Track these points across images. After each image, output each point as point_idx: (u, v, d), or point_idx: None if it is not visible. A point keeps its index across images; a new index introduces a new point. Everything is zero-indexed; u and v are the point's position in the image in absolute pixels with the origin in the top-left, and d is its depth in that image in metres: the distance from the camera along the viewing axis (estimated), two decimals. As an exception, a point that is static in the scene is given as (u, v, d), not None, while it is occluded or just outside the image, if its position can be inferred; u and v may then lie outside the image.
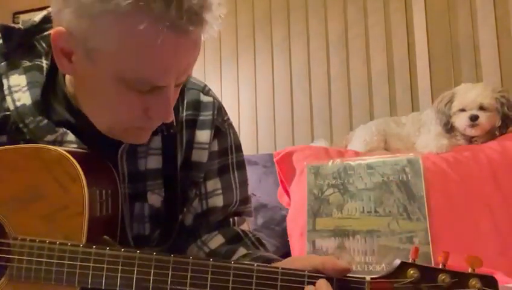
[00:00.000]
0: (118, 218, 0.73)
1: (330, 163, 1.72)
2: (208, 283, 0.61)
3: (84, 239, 0.65)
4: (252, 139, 2.57)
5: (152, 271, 0.62)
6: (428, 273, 0.59)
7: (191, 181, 0.83)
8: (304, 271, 0.61)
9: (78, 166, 0.66)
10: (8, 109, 0.71)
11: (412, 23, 2.34)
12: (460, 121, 1.78)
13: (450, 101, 1.82)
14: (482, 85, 1.84)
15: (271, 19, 2.63)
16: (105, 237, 0.68)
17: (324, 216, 1.65)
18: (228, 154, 0.88)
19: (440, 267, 0.60)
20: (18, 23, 3.47)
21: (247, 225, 0.91)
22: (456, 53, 2.25)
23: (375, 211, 1.60)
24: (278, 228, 1.94)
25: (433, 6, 2.32)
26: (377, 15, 2.41)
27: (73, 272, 0.64)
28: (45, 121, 0.71)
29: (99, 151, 0.74)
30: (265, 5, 2.64)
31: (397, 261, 0.60)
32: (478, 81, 2.14)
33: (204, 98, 0.85)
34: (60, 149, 0.68)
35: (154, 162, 0.79)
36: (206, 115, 0.84)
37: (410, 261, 0.60)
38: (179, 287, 0.62)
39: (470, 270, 0.60)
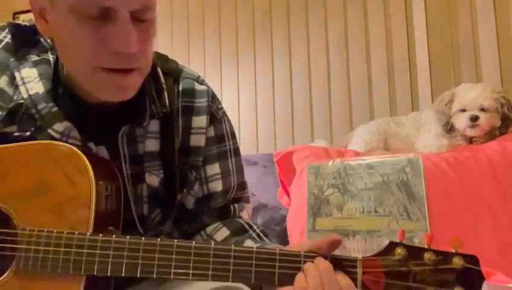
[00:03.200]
0: (121, 214, 0.75)
1: (330, 163, 1.72)
2: (210, 266, 0.64)
3: (90, 230, 0.67)
4: (252, 139, 2.57)
5: (156, 256, 0.64)
6: (414, 251, 0.63)
7: (190, 165, 0.86)
8: (300, 252, 0.64)
9: (86, 160, 0.69)
10: (21, 98, 0.75)
11: (412, 23, 2.34)
12: (461, 122, 1.78)
13: (450, 101, 1.82)
14: (482, 85, 1.84)
15: (271, 20, 2.63)
16: (110, 227, 0.70)
17: (324, 216, 1.65)
18: (225, 140, 0.91)
19: (426, 247, 0.63)
20: (18, 23, 3.42)
21: (247, 212, 0.94)
22: (456, 53, 2.25)
23: (375, 211, 1.60)
24: (278, 228, 1.94)
25: (433, 6, 2.32)
26: (377, 15, 2.41)
27: (79, 259, 0.65)
28: (56, 108, 0.75)
29: (101, 136, 0.77)
30: (265, 5, 2.65)
31: (386, 242, 0.64)
32: (478, 81, 2.14)
33: (199, 87, 0.88)
34: (69, 145, 0.71)
35: (152, 145, 0.82)
36: (201, 102, 0.87)
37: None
38: (182, 271, 0.64)
39: (453, 250, 0.63)
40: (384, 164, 1.66)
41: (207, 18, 2.78)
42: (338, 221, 1.62)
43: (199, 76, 0.91)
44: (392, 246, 0.63)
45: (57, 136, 0.74)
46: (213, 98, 0.90)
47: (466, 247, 1.59)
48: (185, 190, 0.85)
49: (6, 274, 0.67)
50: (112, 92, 0.72)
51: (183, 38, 2.81)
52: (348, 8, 2.47)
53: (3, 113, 0.75)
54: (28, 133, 0.75)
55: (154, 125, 0.82)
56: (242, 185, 0.93)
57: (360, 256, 0.64)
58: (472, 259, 0.62)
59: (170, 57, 0.91)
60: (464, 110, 1.79)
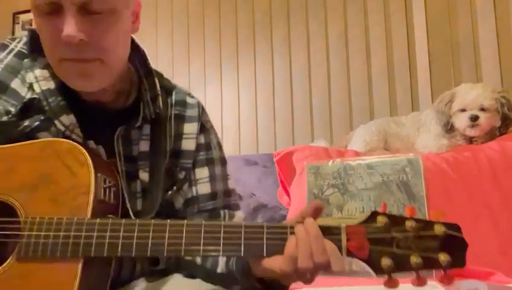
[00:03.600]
0: (119, 207, 0.79)
1: (330, 163, 1.72)
2: (201, 241, 0.67)
3: (89, 215, 0.70)
4: (252, 139, 2.57)
5: (150, 235, 0.68)
6: (396, 219, 0.65)
7: (180, 167, 0.92)
8: (287, 224, 0.68)
9: (86, 153, 0.74)
10: (35, 94, 0.82)
11: (412, 23, 2.34)
12: (461, 121, 1.78)
13: (450, 101, 1.82)
14: (482, 85, 1.84)
15: (271, 20, 2.63)
16: (109, 215, 0.73)
17: (324, 216, 1.65)
18: (212, 149, 0.97)
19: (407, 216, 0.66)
20: (18, 23, 3.46)
21: (238, 219, 0.96)
22: (456, 53, 2.25)
23: (375, 211, 1.60)
24: (278, 228, 1.93)
25: (433, 6, 2.32)
26: (377, 15, 2.41)
27: (77, 242, 0.68)
28: (64, 102, 0.81)
29: (100, 136, 0.84)
30: (265, 6, 2.65)
31: (369, 212, 0.67)
32: (478, 81, 2.14)
33: (190, 100, 0.97)
34: (71, 141, 0.76)
35: (144, 146, 0.88)
36: (192, 112, 0.95)
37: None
38: (174, 248, 0.67)
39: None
40: (384, 164, 1.65)
41: (207, 18, 2.78)
42: (338, 221, 1.62)
43: (190, 93, 1.00)
44: (374, 215, 0.66)
45: (62, 128, 0.80)
46: (203, 110, 0.98)
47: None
48: (174, 188, 0.90)
49: (8, 261, 0.70)
50: (76, 79, 0.78)
51: (183, 38, 2.81)
52: (348, 8, 2.47)
53: (18, 108, 0.81)
54: (36, 123, 0.80)
55: (147, 129, 0.89)
56: (228, 192, 0.97)
57: (344, 224, 0.67)
58: (454, 227, 0.63)
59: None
60: (464, 110, 1.79)
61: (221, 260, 0.82)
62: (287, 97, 2.55)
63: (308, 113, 2.49)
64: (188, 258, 0.87)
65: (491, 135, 1.82)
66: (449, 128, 1.83)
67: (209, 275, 0.84)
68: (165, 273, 0.87)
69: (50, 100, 0.81)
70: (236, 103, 2.65)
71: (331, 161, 1.74)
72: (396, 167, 1.63)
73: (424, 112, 2.02)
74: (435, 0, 2.32)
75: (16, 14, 3.17)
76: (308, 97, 2.50)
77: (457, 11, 2.27)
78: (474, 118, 1.75)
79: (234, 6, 2.71)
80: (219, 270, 0.82)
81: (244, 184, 2.22)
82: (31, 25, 3.14)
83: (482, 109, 1.76)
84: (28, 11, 3.12)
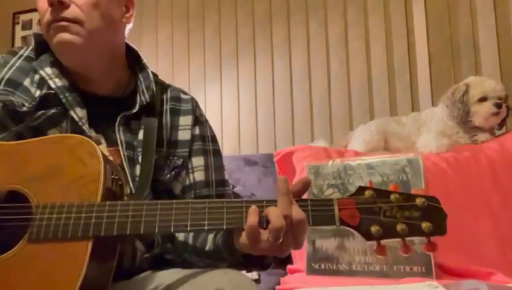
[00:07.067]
0: (123, 197, 0.81)
1: (330, 163, 1.72)
2: (206, 216, 0.72)
3: (99, 199, 0.73)
4: (252, 139, 2.57)
5: (158, 213, 0.72)
6: (381, 192, 0.72)
7: (178, 156, 0.99)
8: (263, 199, 0.74)
9: (96, 146, 0.77)
10: (49, 88, 0.90)
11: (412, 23, 2.35)
12: (485, 109, 1.79)
13: (466, 92, 1.82)
14: (488, 78, 1.87)
15: (271, 20, 2.63)
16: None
17: (324, 216, 1.65)
18: (206, 141, 1.04)
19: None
20: (18, 23, 3.45)
21: None
22: (456, 53, 2.25)
23: (375, 211, 1.60)
24: (278, 228, 1.93)
25: (433, 6, 2.32)
26: (377, 15, 2.41)
27: (88, 223, 0.71)
28: (78, 98, 0.91)
29: (100, 125, 0.92)
30: (265, 5, 2.65)
31: (356, 187, 0.73)
32: (478, 81, 2.14)
33: (184, 96, 1.05)
34: (81, 136, 0.80)
35: (141, 135, 0.95)
36: (186, 106, 1.03)
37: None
38: (182, 223, 0.71)
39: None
40: (384, 164, 1.65)
41: (207, 18, 2.78)
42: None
43: (184, 90, 1.07)
44: (362, 189, 0.72)
45: (77, 119, 0.88)
46: (197, 104, 1.06)
47: (466, 247, 1.59)
48: (173, 172, 0.96)
49: (19, 243, 0.71)
50: (58, 47, 0.88)
51: (183, 38, 2.81)
52: (348, 8, 2.47)
53: (37, 100, 0.88)
54: (52, 111, 0.88)
55: (144, 120, 0.96)
56: (222, 182, 1.03)
57: (335, 197, 0.73)
58: (433, 199, 0.71)
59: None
60: (484, 99, 1.79)
61: (209, 238, 0.88)
62: (287, 97, 2.55)
63: (308, 113, 2.49)
64: (181, 239, 0.93)
65: (491, 132, 1.84)
66: (468, 119, 1.83)
67: (198, 254, 0.90)
68: (162, 261, 0.93)
69: (67, 94, 0.90)
70: (236, 102, 2.65)
71: (331, 161, 1.74)
72: (396, 166, 1.63)
73: (424, 111, 2.02)
74: (435, 0, 2.33)
75: (15, 14, 3.17)
76: (308, 97, 2.50)
77: (457, 11, 2.27)
78: (499, 105, 1.77)
79: (234, 6, 2.71)
80: (207, 248, 0.87)
81: (244, 184, 2.22)
82: (31, 25, 3.13)
83: (499, 98, 1.78)
84: (28, 11, 3.12)
